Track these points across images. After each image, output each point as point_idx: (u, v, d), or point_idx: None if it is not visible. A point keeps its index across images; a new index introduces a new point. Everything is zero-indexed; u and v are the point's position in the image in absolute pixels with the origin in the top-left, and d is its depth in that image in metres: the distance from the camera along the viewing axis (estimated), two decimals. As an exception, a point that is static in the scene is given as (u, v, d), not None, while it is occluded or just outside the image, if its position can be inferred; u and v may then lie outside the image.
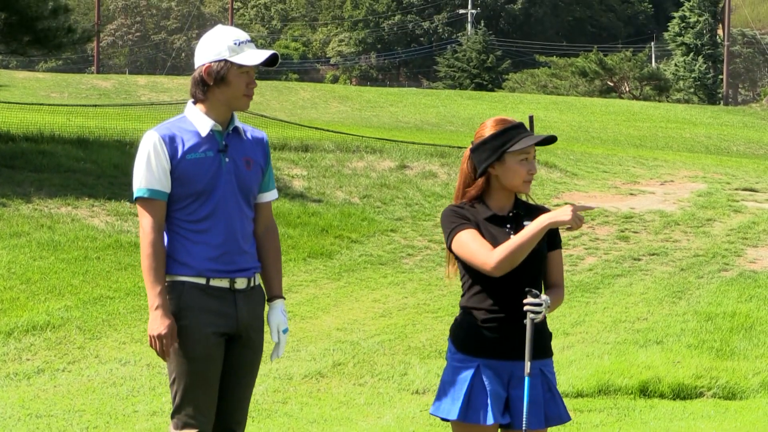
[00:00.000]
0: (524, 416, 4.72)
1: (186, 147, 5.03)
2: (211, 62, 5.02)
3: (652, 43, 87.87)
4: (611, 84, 63.68)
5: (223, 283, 5.06)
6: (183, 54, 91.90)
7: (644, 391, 10.28)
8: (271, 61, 5.06)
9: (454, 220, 4.79)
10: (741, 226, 18.18)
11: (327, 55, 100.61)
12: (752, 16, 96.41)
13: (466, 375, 4.80)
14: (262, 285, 5.27)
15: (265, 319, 5.24)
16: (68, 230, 15.06)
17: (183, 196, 5.04)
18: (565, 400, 10.12)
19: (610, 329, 12.66)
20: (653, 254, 16.54)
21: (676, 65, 72.22)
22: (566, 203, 19.16)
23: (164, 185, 5.01)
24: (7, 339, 11.06)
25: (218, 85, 5.04)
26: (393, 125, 37.95)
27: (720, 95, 70.13)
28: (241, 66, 5.01)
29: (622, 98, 60.36)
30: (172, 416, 5.11)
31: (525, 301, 4.70)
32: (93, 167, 18.00)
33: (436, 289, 14.38)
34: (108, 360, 10.72)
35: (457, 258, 4.86)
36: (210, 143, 5.07)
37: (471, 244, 4.73)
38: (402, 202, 18.95)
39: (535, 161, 4.90)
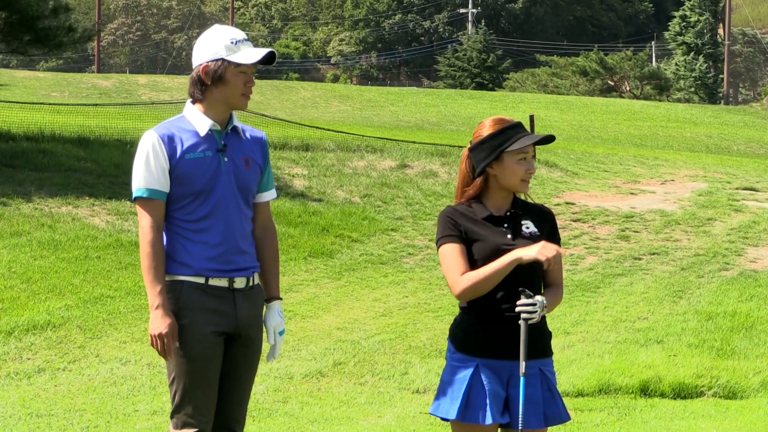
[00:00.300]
0: (520, 416, 4.72)
1: (185, 147, 5.03)
2: (208, 62, 5.03)
3: (653, 43, 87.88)
4: (612, 83, 63.66)
5: (222, 282, 5.07)
6: (184, 53, 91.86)
7: (645, 391, 10.29)
8: (269, 59, 5.06)
9: (443, 230, 4.82)
10: (741, 225, 18.18)
11: (327, 55, 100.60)
12: (753, 16, 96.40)
13: (465, 375, 4.80)
14: (261, 284, 5.27)
15: (263, 319, 5.25)
16: (69, 229, 15.06)
17: (182, 195, 5.04)
18: (566, 400, 10.12)
19: (611, 328, 12.66)
20: (654, 253, 16.54)
21: (676, 64, 72.20)
22: (567, 202, 19.19)
23: (163, 185, 5.01)
24: (7, 338, 11.06)
25: (216, 85, 5.04)
26: (393, 124, 37.95)
27: (720, 94, 70.11)
28: (238, 65, 5.02)
29: (622, 97, 60.35)
30: (172, 416, 5.12)
31: (518, 302, 4.71)
32: (93, 166, 18.00)
33: (437, 289, 14.38)
34: (108, 359, 10.73)
35: None
36: (209, 143, 5.07)
37: (448, 262, 4.77)
38: (402, 201, 18.95)
39: (533, 161, 4.90)
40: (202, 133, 5.07)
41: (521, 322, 4.69)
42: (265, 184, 5.25)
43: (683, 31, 73.59)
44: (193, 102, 5.13)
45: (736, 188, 21.30)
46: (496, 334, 4.79)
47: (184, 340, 5.01)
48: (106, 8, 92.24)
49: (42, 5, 20.41)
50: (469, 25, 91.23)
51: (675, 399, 10.21)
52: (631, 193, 20.54)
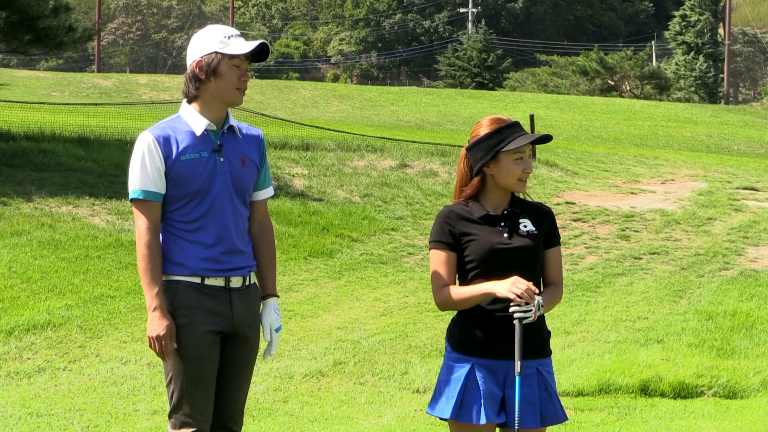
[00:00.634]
0: (516, 415, 4.72)
1: (180, 147, 5.03)
2: (202, 56, 5.04)
3: (653, 42, 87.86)
4: (612, 83, 63.65)
5: (218, 282, 5.07)
6: (184, 53, 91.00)
7: (645, 390, 10.29)
8: (263, 54, 5.07)
9: (436, 235, 4.85)
10: (742, 225, 18.18)
11: (328, 54, 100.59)
12: (753, 15, 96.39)
13: (460, 374, 4.81)
14: (258, 282, 5.27)
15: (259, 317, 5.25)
16: (69, 229, 15.06)
17: (179, 197, 5.04)
18: (566, 399, 10.12)
19: (611, 328, 12.66)
20: (654, 253, 16.54)
21: (676, 64, 72.21)
22: (567, 202, 19.19)
23: (159, 186, 5.02)
24: (8, 338, 11.06)
25: (210, 79, 5.04)
26: (394, 124, 37.96)
27: (721, 94, 70.11)
28: (232, 57, 5.02)
29: (622, 97, 60.34)
30: (170, 416, 5.12)
31: (512, 302, 4.72)
32: (94, 166, 18.00)
33: (437, 288, 14.36)
34: (109, 359, 10.73)
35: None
36: (205, 143, 5.07)
37: (433, 269, 4.85)
38: (403, 200, 18.95)
39: (530, 160, 4.90)
40: (198, 133, 5.07)
41: (515, 322, 4.70)
42: (262, 182, 5.25)
43: (683, 31, 73.60)
44: (189, 101, 5.13)
45: (737, 188, 21.30)
46: (492, 334, 4.79)
47: (181, 340, 5.01)
48: (107, 8, 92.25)
49: (42, 5, 20.41)
50: (470, 25, 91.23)
51: (675, 399, 10.22)
52: (632, 193, 20.54)
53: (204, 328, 5.03)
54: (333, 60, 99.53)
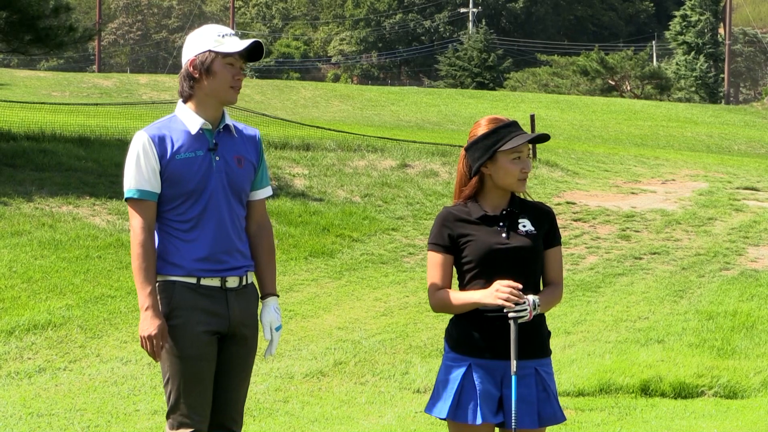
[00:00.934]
0: (513, 415, 4.72)
1: (175, 147, 5.02)
2: (196, 54, 5.04)
3: (654, 42, 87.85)
4: (612, 83, 63.66)
5: (214, 282, 5.06)
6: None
7: (645, 390, 10.29)
8: (257, 53, 5.07)
9: (434, 237, 4.87)
10: (742, 225, 18.18)
11: (328, 54, 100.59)
12: (753, 15, 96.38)
13: (457, 374, 4.81)
14: (255, 283, 5.26)
15: (259, 316, 5.24)
16: (69, 229, 15.06)
17: (174, 196, 5.04)
18: (567, 399, 10.12)
19: (612, 328, 12.66)
20: (654, 253, 16.54)
21: (677, 64, 72.20)
22: (567, 202, 19.19)
23: (154, 186, 5.01)
24: (8, 338, 11.07)
25: (205, 77, 5.04)
26: (394, 124, 37.96)
27: (721, 94, 70.10)
28: (225, 55, 5.02)
29: (623, 97, 60.35)
30: (168, 416, 5.11)
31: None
32: (94, 166, 18.00)
33: (437, 288, 14.36)
34: (109, 359, 10.73)
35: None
36: (200, 142, 5.07)
37: (429, 271, 4.89)
38: (403, 200, 18.95)
39: (528, 159, 4.89)
40: (193, 132, 5.06)
41: (511, 322, 4.70)
42: (260, 181, 5.23)
43: (684, 31, 73.60)
44: (184, 101, 5.13)
45: (737, 188, 21.31)
46: (489, 335, 4.79)
47: (177, 340, 5.01)
48: (107, 8, 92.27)
49: (43, 5, 20.41)
50: (470, 25, 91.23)
51: (676, 399, 10.21)
52: (632, 193, 20.54)
53: (200, 329, 5.03)
54: (333, 60, 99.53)
